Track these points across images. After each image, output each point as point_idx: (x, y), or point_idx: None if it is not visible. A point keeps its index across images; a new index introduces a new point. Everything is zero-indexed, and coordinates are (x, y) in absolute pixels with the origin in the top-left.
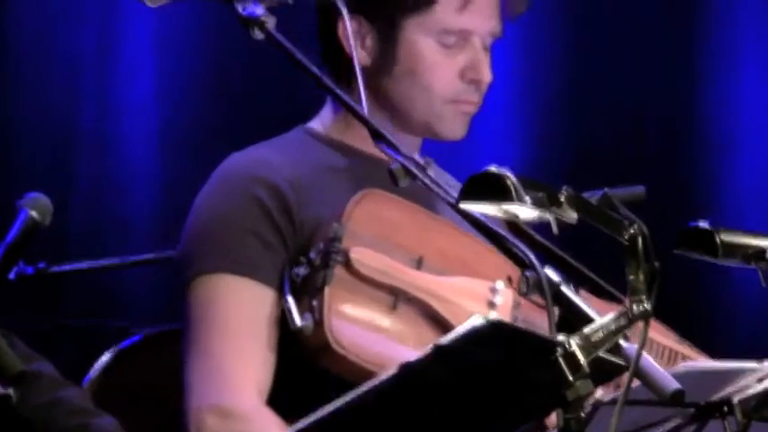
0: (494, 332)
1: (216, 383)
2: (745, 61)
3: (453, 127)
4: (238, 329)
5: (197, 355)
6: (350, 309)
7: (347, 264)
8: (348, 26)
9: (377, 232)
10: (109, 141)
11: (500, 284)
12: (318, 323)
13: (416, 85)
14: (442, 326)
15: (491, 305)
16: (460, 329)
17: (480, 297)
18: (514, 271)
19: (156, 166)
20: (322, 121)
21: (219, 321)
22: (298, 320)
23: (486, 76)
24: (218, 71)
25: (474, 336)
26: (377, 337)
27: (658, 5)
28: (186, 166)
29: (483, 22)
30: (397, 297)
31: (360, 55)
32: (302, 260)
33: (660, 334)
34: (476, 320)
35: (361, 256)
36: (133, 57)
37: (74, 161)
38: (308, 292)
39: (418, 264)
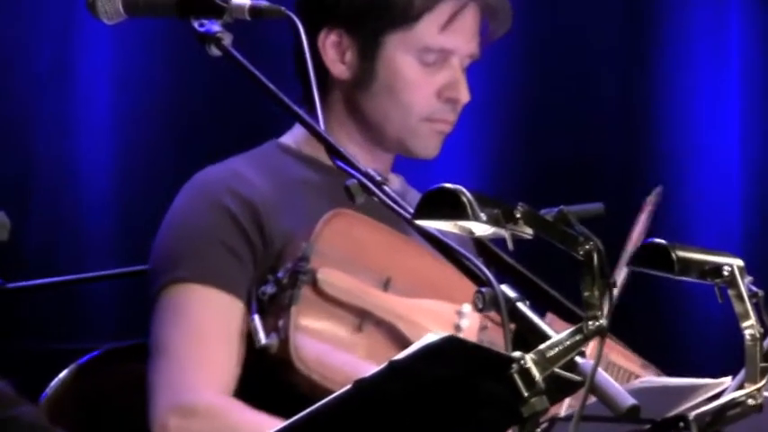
0: (448, 348)
1: (178, 384)
2: (700, 78)
3: (427, 145)
4: (204, 336)
5: (161, 359)
6: (315, 328)
7: (314, 284)
8: (305, 39)
9: (345, 252)
10: (66, 157)
11: (466, 307)
12: (283, 342)
13: (394, 101)
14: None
15: (457, 328)
16: (415, 346)
17: (446, 320)
18: None
19: (113, 183)
20: (294, 137)
21: (185, 328)
22: (263, 339)
23: (464, 96)
24: (176, 90)
25: (428, 352)
26: (341, 357)
27: (616, 20)
28: (144, 183)
29: (464, 43)
30: (363, 318)
31: (339, 69)
32: (270, 278)
33: (625, 358)
34: (430, 337)
35: (328, 276)
36: (91, 74)
37: (31, 177)
38: (275, 311)
39: (386, 285)
